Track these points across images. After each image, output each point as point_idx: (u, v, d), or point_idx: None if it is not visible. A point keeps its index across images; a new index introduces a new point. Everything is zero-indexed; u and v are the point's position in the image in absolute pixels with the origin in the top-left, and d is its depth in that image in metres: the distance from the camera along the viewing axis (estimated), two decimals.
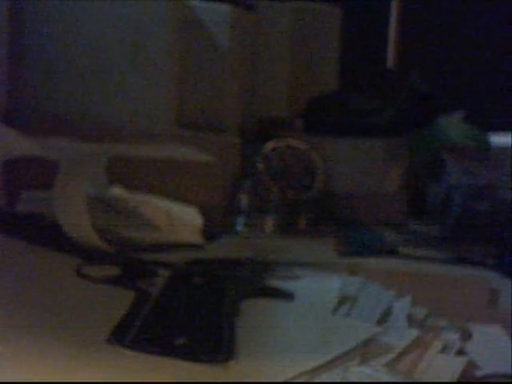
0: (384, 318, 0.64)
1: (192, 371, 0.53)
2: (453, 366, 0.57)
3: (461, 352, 0.59)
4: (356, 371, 0.54)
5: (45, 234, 0.75)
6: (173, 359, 0.54)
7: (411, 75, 1.09)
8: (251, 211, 0.91)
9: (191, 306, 0.63)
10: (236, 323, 0.61)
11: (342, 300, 0.67)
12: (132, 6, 0.85)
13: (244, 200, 0.92)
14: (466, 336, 0.62)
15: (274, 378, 0.53)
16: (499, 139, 1.14)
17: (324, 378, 0.53)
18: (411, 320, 0.64)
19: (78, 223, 0.72)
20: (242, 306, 0.64)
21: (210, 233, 0.84)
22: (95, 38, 0.86)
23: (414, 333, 0.61)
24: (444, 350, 0.59)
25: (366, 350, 0.58)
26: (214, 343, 0.57)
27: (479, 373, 0.57)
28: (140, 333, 0.58)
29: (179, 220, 0.82)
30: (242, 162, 0.93)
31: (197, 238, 0.82)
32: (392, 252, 0.87)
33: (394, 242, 0.91)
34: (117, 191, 0.84)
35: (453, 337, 0.61)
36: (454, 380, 0.55)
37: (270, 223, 0.92)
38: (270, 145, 0.95)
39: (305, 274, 0.73)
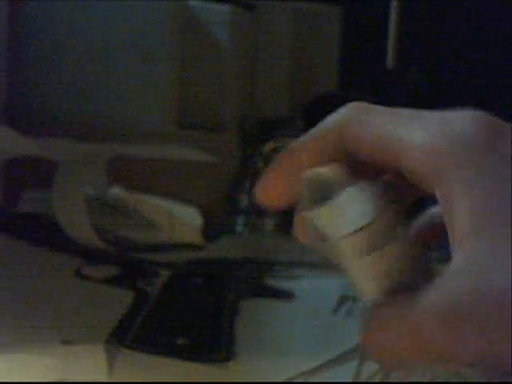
0: None
1: (192, 371, 0.53)
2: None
3: None
4: (356, 371, 0.54)
5: (45, 233, 0.75)
6: (173, 359, 0.54)
7: (411, 75, 1.09)
8: (251, 211, 0.91)
9: (191, 306, 0.63)
10: (236, 323, 0.61)
11: (342, 300, 0.67)
12: (131, 7, 0.85)
13: (244, 200, 0.92)
14: None
15: (274, 378, 0.53)
16: None
17: (324, 378, 0.53)
18: None
19: (78, 223, 0.72)
20: (242, 306, 0.64)
21: (210, 233, 0.84)
22: (95, 39, 0.86)
23: None
24: None
25: (366, 349, 0.58)
26: (214, 343, 0.57)
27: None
28: (140, 333, 0.58)
29: (179, 220, 0.82)
30: (241, 161, 0.93)
31: (197, 238, 0.82)
32: None
33: None
34: (117, 191, 0.84)
35: None
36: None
37: (269, 223, 0.92)
38: (269, 145, 0.95)
39: (305, 274, 0.73)
